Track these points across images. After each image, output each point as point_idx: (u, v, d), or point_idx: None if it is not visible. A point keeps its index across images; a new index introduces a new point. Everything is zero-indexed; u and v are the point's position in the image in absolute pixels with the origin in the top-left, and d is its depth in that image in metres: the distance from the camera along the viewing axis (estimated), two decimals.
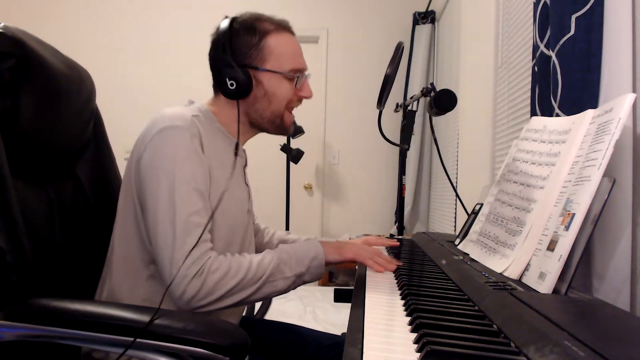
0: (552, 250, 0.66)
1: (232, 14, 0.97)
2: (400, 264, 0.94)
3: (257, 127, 1.01)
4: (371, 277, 0.86)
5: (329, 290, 2.95)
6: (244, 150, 1.05)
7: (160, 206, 0.81)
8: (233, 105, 0.96)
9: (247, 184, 1.06)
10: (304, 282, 0.89)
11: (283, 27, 0.97)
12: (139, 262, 0.88)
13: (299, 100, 1.00)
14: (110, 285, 0.89)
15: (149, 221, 0.82)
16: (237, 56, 0.92)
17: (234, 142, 0.98)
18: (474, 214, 1.09)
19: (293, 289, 0.88)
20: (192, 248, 0.78)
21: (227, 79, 0.90)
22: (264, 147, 3.53)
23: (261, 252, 1.21)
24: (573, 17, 0.86)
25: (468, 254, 0.97)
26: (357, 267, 1.01)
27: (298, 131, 3.10)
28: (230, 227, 0.94)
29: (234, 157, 0.96)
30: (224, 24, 0.93)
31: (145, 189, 0.83)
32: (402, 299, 0.70)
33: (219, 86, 0.95)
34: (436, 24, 3.29)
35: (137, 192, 0.87)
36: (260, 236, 1.24)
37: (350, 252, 0.93)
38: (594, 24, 0.83)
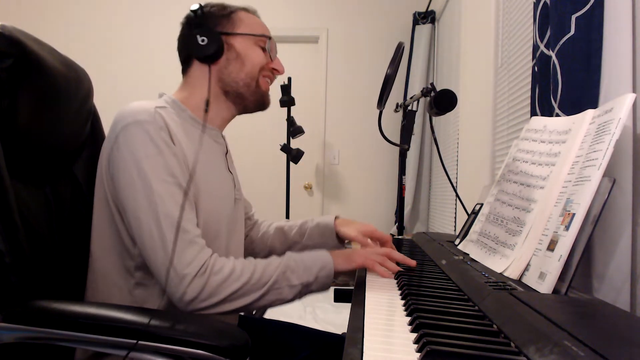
0: (552, 250, 0.66)
1: None
2: (414, 263, 0.91)
3: (233, 96, 0.97)
4: (371, 277, 0.86)
5: (329, 290, 2.95)
6: (223, 137, 1.03)
7: (141, 208, 0.77)
8: (203, 81, 0.95)
9: (230, 171, 1.02)
10: (311, 292, 0.85)
11: (251, 10, 1.01)
12: (123, 272, 0.84)
13: (272, 72, 1.01)
14: (97, 298, 0.86)
15: (132, 225, 0.79)
16: (208, 24, 0.94)
17: (208, 129, 0.96)
18: (474, 214, 1.09)
19: (299, 299, 0.85)
20: (184, 244, 0.76)
21: (199, 37, 0.91)
22: (264, 147, 3.55)
23: (255, 246, 1.16)
24: (573, 17, 0.86)
25: (468, 254, 0.97)
26: None
27: (298, 131, 3.10)
28: (215, 219, 0.90)
29: (208, 140, 0.95)
30: (194, 5, 0.95)
31: (121, 191, 0.80)
32: (402, 299, 0.70)
33: (190, 55, 0.96)
34: (436, 24, 3.29)
35: (111, 196, 0.83)
36: (255, 230, 1.20)
37: (360, 259, 0.90)
38: (594, 24, 0.83)
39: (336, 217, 1.16)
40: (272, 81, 1.02)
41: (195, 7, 0.94)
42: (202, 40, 0.90)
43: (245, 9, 1.00)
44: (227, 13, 0.96)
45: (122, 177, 0.80)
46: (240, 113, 1.02)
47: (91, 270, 0.88)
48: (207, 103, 0.92)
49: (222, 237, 0.93)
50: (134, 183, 0.78)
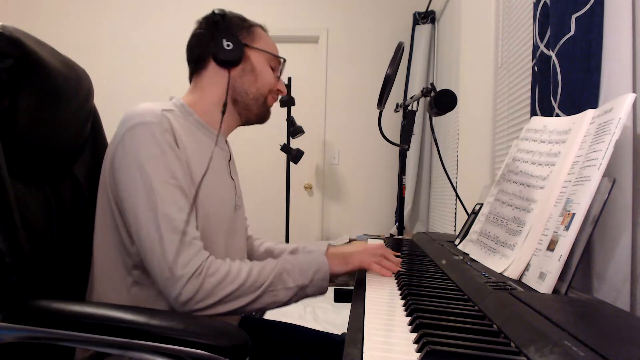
0: (552, 250, 0.66)
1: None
2: (399, 260, 0.93)
3: (240, 106, 1.00)
4: (371, 277, 0.86)
5: (329, 290, 2.95)
6: (227, 143, 1.04)
7: (140, 208, 0.78)
8: (216, 85, 0.97)
9: (232, 178, 1.03)
10: (307, 296, 0.86)
11: (265, 28, 1.04)
12: (121, 269, 0.85)
13: (277, 93, 1.05)
14: (96, 294, 0.87)
15: (130, 224, 0.80)
16: (231, 31, 0.95)
17: (213, 134, 0.98)
18: (474, 214, 1.09)
19: (295, 302, 0.85)
20: (182, 246, 0.76)
21: (225, 40, 0.93)
22: (264, 147, 3.55)
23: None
24: (573, 17, 0.86)
25: (468, 254, 0.97)
26: None
27: (298, 131, 3.10)
28: (214, 224, 0.90)
29: (213, 145, 0.95)
30: (215, 10, 0.98)
31: (122, 191, 0.80)
32: (402, 299, 0.70)
33: (205, 55, 0.96)
34: (436, 24, 3.29)
35: (112, 195, 0.84)
36: (249, 244, 1.20)
37: (356, 260, 0.91)
38: (594, 24, 0.83)
39: (329, 246, 1.16)
40: (275, 100, 1.06)
41: (219, 10, 0.97)
42: (228, 45, 0.93)
43: (261, 27, 1.03)
44: (247, 25, 0.99)
45: (125, 176, 0.80)
46: (242, 124, 1.05)
47: (92, 267, 0.89)
48: (225, 105, 0.95)
49: (221, 242, 0.93)
50: (136, 182, 0.79)
